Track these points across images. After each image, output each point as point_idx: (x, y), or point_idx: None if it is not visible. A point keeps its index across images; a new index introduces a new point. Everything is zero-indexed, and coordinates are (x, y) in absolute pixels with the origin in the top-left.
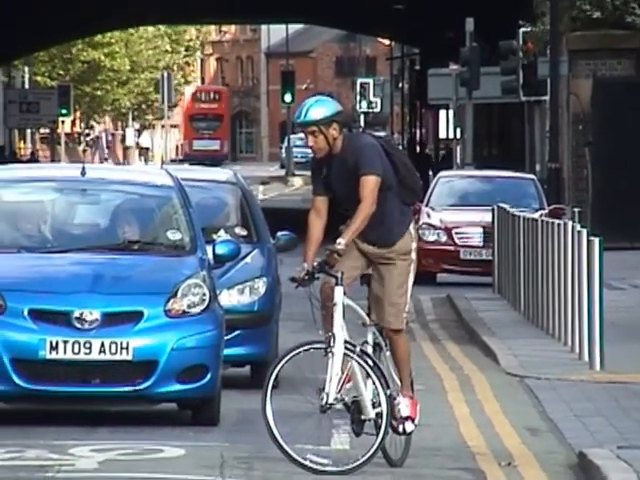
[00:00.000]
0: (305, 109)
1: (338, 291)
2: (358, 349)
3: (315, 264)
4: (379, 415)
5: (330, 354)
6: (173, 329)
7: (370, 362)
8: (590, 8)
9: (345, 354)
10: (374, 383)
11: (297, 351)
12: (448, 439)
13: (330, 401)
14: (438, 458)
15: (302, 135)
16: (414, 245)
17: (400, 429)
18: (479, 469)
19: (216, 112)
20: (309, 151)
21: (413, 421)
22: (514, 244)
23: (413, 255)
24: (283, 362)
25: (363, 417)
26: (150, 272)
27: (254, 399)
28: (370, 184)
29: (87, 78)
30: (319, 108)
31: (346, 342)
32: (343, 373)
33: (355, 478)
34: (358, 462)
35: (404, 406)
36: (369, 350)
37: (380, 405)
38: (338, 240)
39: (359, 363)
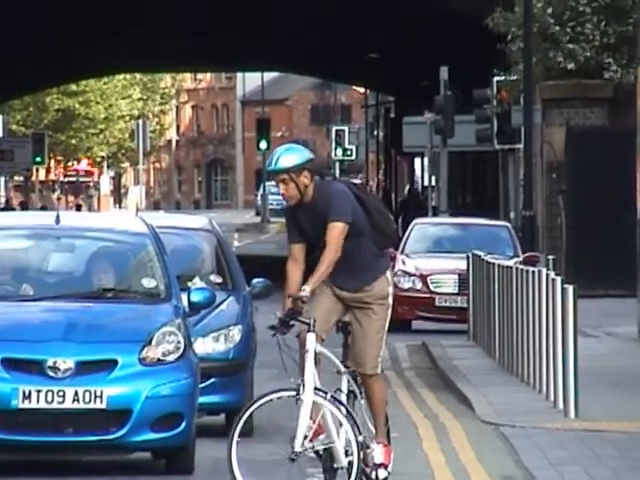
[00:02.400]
0: (276, 157)
1: (310, 338)
2: (329, 395)
3: (283, 314)
4: (351, 463)
5: (300, 402)
6: (147, 377)
7: (342, 408)
8: (564, 60)
9: (315, 401)
10: (346, 430)
11: (266, 399)
12: None
13: (297, 449)
14: None
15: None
16: (390, 290)
17: (373, 476)
18: None
19: None
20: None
21: (386, 468)
22: (489, 291)
23: (390, 300)
24: (251, 410)
25: (335, 465)
26: (124, 320)
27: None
28: (336, 231)
29: (62, 126)
30: (290, 156)
31: (317, 389)
32: (314, 421)
33: None
34: None
35: (378, 453)
36: (342, 398)
37: (350, 454)
38: (303, 287)
39: (330, 409)
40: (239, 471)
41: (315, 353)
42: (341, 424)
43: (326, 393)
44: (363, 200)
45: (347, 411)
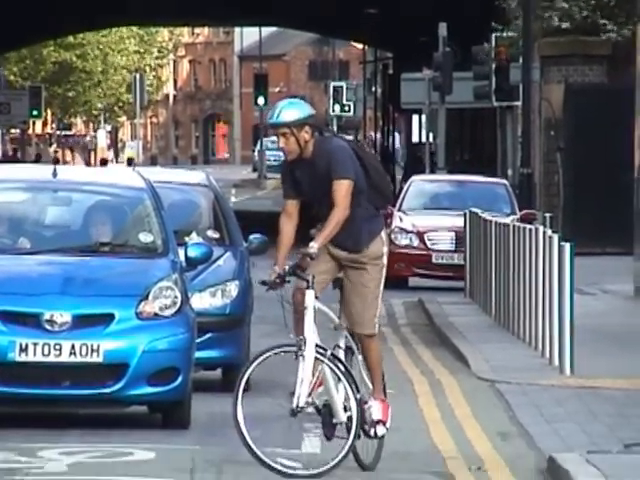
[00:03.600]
0: (278, 110)
1: (309, 295)
2: (329, 353)
3: (287, 267)
4: (350, 419)
5: (301, 358)
6: (144, 332)
7: (341, 366)
8: (559, 20)
9: (316, 358)
10: (345, 387)
11: (268, 354)
12: (418, 443)
13: (301, 404)
14: (408, 462)
15: (275, 138)
16: (385, 250)
17: (372, 432)
18: (449, 473)
19: None
20: (281, 154)
21: (385, 424)
22: (486, 249)
23: (384, 260)
24: (254, 366)
25: (334, 421)
26: (121, 274)
27: (225, 402)
28: (343, 189)
29: (59, 79)
30: (292, 110)
31: (317, 346)
32: (314, 377)
33: None
34: (328, 466)
35: (376, 409)
36: (340, 354)
37: (348, 409)
38: (311, 244)
39: (330, 367)
40: (245, 427)
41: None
42: (339, 380)
43: (326, 350)
44: (362, 158)
45: (345, 368)
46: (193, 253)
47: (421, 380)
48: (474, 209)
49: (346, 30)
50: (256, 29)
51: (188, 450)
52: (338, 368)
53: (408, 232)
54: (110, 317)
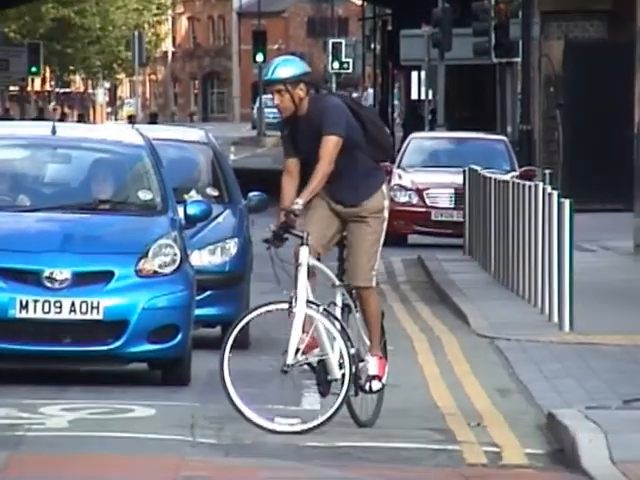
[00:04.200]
0: (273, 67)
1: (303, 251)
2: (322, 309)
3: (277, 227)
4: (343, 375)
5: (292, 314)
6: (144, 289)
7: (335, 321)
8: None
9: (308, 314)
10: (338, 342)
11: (258, 312)
12: (418, 400)
13: (289, 362)
14: (408, 418)
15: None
16: (386, 203)
17: (367, 387)
18: (449, 429)
19: None
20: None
21: (380, 380)
22: (485, 206)
23: (385, 213)
24: (243, 323)
25: (329, 377)
26: (121, 232)
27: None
28: (330, 144)
29: (57, 36)
30: (287, 67)
31: (310, 302)
32: (307, 334)
33: (325, 439)
34: (318, 421)
35: (372, 365)
36: (337, 311)
37: (344, 366)
38: (296, 200)
39: (322, 322)
40: (231, 382)
41: (309, 266)
42: (334, 337)
43: (318, 306)
44: (358, 113)
45: (340, 324)
46: (192, 211)
47: (420, 337)
48: (473, 166)
49: None
50: None
51: (188, 407)
52: (332, 323)
53: (407, 189)
54: (110, 274)
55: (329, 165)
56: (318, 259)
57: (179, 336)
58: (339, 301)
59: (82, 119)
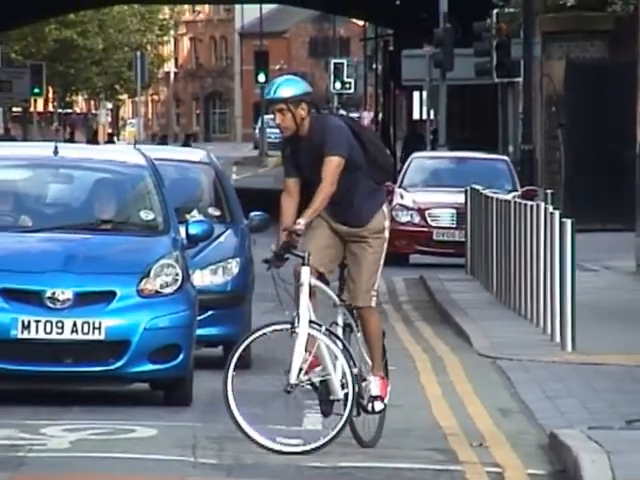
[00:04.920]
0: (275, 87)
1: (304, 271)
2: (324, 329)
3: (279, 247)
4: (346, 395)
5: (295, 334)
6: (146, 309)
7: (337, 341)
8: None
9: (310, 334)
10: (341, 363)
11: (261, 332)
12: (420, 420)
13: (292, 382)
14: (410, 439)
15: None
16: (387, 224)
17: (369, 408)
18: (451, 449)
19: None
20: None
21: (382, 400)
22: (487, 225)
23: (386, 234)
24: (246, 343)
25: (332, 397)
26: (123, 252)
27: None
28: (332, 165)
29: (60, 57)
30: (289, 87)
31: (312, 322)
32: (309, 353)
33: (327, 459)
34: (321, 442)
35: (374, 385)
36: (338, 331)
37: (346, 386)
38: (297, 220)
39: (325, 342)
40: (235, 403)
41: (310, 286)
42: (336, 357)
43: (321, 326)
44: (358, 134)
45: (342, 344)
46: (194, 230)
47: (422, 357)
48: (475, 186)
49: (346, 7)
50: (256, 6)
51: (190, 427)
52: (334, 343)
53: (409, 209)
54: (112, 294)
55: (332, 186)
56: (323, 280)
57: (181, 356)
58: (340, 321)
59: (111, 138)
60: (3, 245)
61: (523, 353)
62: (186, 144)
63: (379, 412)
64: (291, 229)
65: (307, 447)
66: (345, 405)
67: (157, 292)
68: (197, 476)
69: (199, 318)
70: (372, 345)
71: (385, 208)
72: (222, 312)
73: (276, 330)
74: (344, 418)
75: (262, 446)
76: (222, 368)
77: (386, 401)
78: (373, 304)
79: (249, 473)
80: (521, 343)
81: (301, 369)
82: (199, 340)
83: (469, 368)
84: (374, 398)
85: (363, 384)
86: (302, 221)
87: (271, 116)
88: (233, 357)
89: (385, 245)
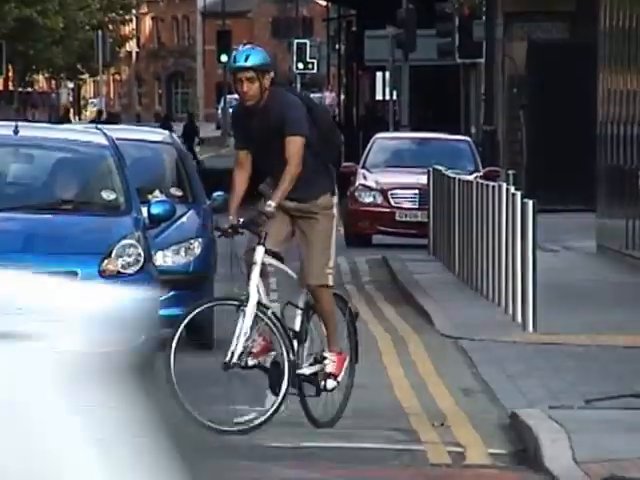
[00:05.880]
0: (244, 54)
1: (259, 250)
2: (270, 312)
3: (242, 220)
4: (298, 377)
5: (241, 312)
6: None
7: (279, 324)
8: None
9: (257, 315)
10: (280, 345)
11: (206, 305)
12: (383, 400)
13: (234, 360)
14: (373, 419)
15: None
16: (335, 201)
17: (322, 385)
18: (413, 429)
19: None
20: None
21: (336, 378)
22: (449, 206)
23: (334, 210)
24: (190, 316)
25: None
26: (84, 232)
27: (188, 359)
28: (296, 145)
29: (20, 36)
30: (258, 54)
31: (260, 304)
32: (258, 335)
33: (292, 439)
34: (258, 422)
35: (329, 361)
36: (297, 312)
37: (300, 366)
38: (268, 202)
39: (269, 325)
40: (177, 384)
41: (264, 266)
42: (277, 340)
43: (267, 309)
44: (312, 110)
45: (283, 329)
46: (156, 210)
47: (385, 337)
48: (437, 166)
49: None
50: None
51: None
52: (275, 326)
53: (372, 190)
54: (73, 275)
55: (298, 167)
56: (278, 258)
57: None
58: (302, 303)
59: (67, 116)
60: None
61: (485, 333)
62: (166, 125)
63: (331, 390)
64: (263, 211)
65: (240, 427)
66: (280, 386)
67: (119, 273)
68: None
69: (161, 299)
70: (325, 322)
71: (335, 188)
72: (184, 292)
73: (222, 304)
74: (279, 399)
75: (201, 424)
76: (184, 348)
77: (339, 379)
78: (330, 282)
79: (216, 454)
80: (483, 323)
81: (248, 350)
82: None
83: (431, 348)
84: (327, 375)
85: (323, 363)
86: (273, 203)
87: (234, 96)
88: (176, 333)
89: (334, 223)
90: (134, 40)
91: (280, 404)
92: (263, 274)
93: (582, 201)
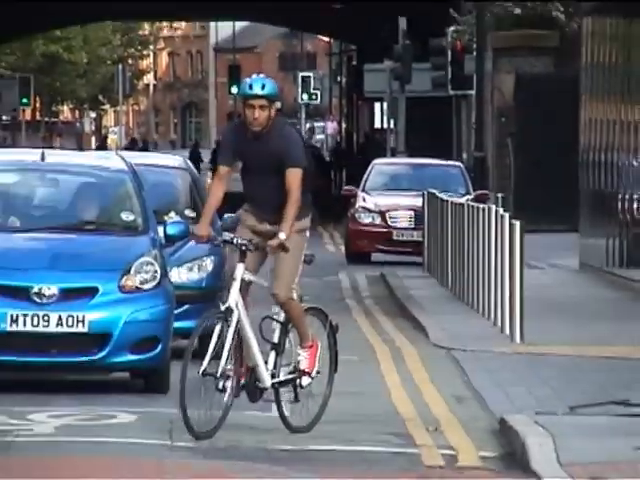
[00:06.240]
0: (261, 82)
1: (239, 267)
2: (235, 319)
3: (254, 242)
4: (274, 385)
5: (225, 325)
6: (126, 304)
7: (230, 339)
8: (511, 4)
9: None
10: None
11: (205, 324)
12: (380, 406)
13: (207, 370)
14: (371, 424)
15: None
16: (309, 224)
17: (297, 383)
18: (408, 434)
19: None
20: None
21: (310, 374)
22: (442, 226)
23: (307, 233)
24: (196, 341)
25: (260, 385)
26: (105, 251)
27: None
28: (298, 176)
29: (47, 70)
30: (272, 85)
31: (219, 311)
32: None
33: (294, 442)
34: (212, 425)
35: (303, 359)
36: (275, 325)
37: (277, 376)
38: (279, 235)
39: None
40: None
41: (244, 283)
42: (272, 348)
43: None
44: (304, 144)
45: (231, 342)
46: (171, 231)
47: (383, 348)
48: (432, 190)
49: (313, 24)
50: (230, 23)
51: (167, 413)
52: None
53: (371, 211)
54: (94, 290)
55: (299, 196)
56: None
57: (159, 347)
58: (282, 316)
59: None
60: None
61: (475, 344)
62: (195, 152)
63: (306, 387)
64: (280, 244)
65: (200, 431)
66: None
67: (137, 288)
68: (174, 458)
69: (176, 312)
70: (297, 325)
71: (311, 214)
72: (197, 306)
73: (217, 319)
74: (224, 407)
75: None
76: (197, 358)
77: (313, 374)
78: (294, 296)
79: (223, 455)
80: (474, 335)
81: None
82: (176, 332)
83: (426, 358)
84: (302, 373)
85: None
86: (283, 235)
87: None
88: (188, 353)
89: (305, 245)
90: (152, 73)
91: (227, 408)
92: (242, 290)
93: (566, 222)
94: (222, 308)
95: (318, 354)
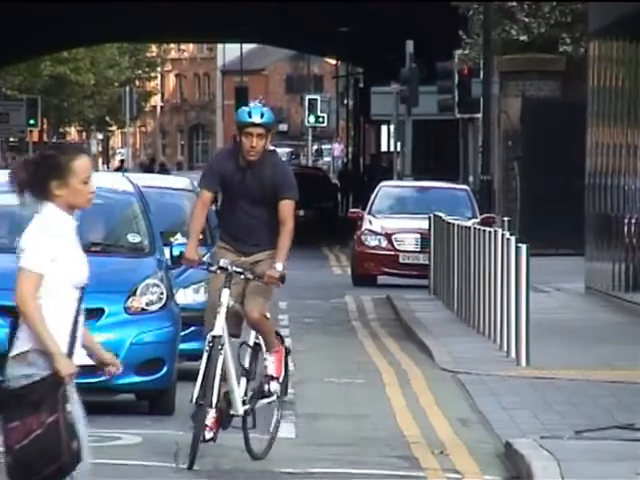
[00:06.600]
0: (260, 111)
1: (224, 293)
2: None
3: (241, 266)
4: (247, 412)
5: (220, 353)
6: (132, 325)
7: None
8: (517, 33)
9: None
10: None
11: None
12: (386, 429)
13: (198, 400)
14: (377, 446)
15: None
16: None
17: (265, 389)
18: (414, 457)
19: None
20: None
21: (278, 379)
22: (448, 249)
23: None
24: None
25: (231, 412)
26: (111, 272)
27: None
28: (291, 208)
29: (54, 91)
30: (270, 114)
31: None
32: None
33: (300, 464)
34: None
35: (270, 364)
36: (247, 351)
37: (248, 404)
38: (276, 266)
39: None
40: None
41: (231, 309)
42: (242, 375)
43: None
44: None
45: (214, 370)
46: (178, 252)
47: (388, 370)
48: (438, 213)
49: (320, 47)
50: (237, 45)
51: (172, 435)
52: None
53: (377, 234)
54: (101, 311)
55: (292, 228)
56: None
57: (165, 369)
58: (251, 341)
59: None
60: (1, 265)
61: (481, 368)
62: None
63: (274, 392)
64: (273, 275)
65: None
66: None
67: (143, 309)
68: None
69: (182, 333)
70: (265, 338)
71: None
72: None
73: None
74: (194, 431)
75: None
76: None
77: (281, 379)
78: (267, 315)
79: (228, 478)
80: (479, 358)
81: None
82: (182, 354)
83: (431, 381)
84: (270, 379)
85: (266, 387)
86: (280, 266)
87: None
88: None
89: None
90: (159, 95)
91: (196, 435)
92: (233, 316)
93: (572, 246)
94: (208, 337)
95: (283, 360)
